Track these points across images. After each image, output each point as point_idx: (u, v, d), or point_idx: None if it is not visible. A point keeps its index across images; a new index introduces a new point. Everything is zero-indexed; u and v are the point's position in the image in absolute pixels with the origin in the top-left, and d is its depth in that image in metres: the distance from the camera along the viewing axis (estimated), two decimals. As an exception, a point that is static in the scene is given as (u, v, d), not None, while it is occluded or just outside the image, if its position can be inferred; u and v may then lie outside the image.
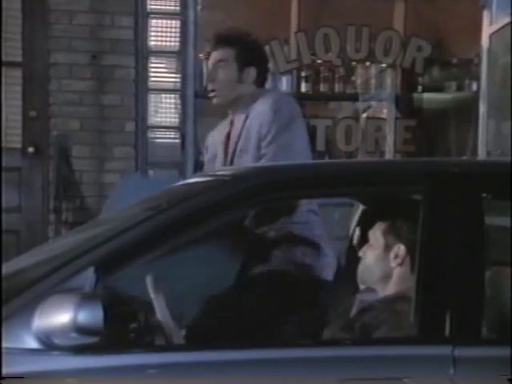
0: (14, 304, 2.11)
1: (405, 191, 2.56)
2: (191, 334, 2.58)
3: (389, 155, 6.15)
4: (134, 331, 2.68)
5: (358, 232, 3.11)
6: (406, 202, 2.57)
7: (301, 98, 6.31)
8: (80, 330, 2.02)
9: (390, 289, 2.58)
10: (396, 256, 2.58)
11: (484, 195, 2.34)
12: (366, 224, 3.12)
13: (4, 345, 2.07)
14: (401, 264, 2.56)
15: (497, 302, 2.35)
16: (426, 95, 6.33)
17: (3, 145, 5.69)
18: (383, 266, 2.59)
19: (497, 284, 2.40)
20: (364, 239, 2.81)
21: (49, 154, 5.69)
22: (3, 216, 5.58)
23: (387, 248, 2.59)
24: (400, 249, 2.56)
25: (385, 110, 6.33)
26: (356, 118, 6.31)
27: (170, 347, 2.35)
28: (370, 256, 2.63)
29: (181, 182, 3.00)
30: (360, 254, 2.67)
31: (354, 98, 6.30)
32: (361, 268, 2.66)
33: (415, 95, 6.35)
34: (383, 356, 2.20)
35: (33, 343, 2.07)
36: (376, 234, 2.63)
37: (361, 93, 6.30)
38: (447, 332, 2.20)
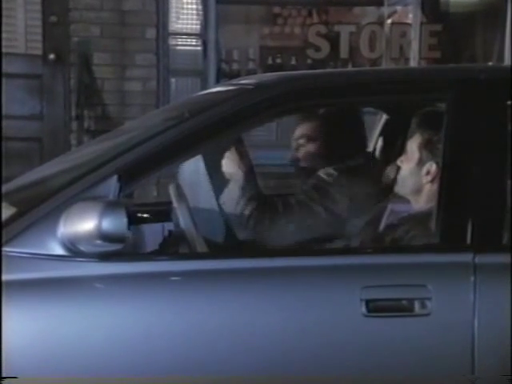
0: (39, 211, 2.14)
1: (430, 99, 2.52)
2: (214, 243, 2.60)
3: (414, 62, 6.05)
4: (158, 239, 2.73)
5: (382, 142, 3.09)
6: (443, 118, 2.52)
7: (324, 3, 6.21)
8: (104, 236, 2.05)
9: (421, 205, 2.57)
10: (428, 172, 2.55)
11: (511, 102, 2.30)
12: (393, 134, 3.09)
13: (30, 250, 2.11)
14: (431, 181, 2.54)
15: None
16: (453, -2, 6.19)
17: (24, 51, 5.67)
18: (416, 179, 2.58)
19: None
20: (393, 149, 2.79)
21: (70, 61, 5.66)
22: (25, 123, 5.61)
23: (421, 163, 2.57)
24: (432, 166, 2.53)
25: (410, 15, 6.20)
26: (381, 23, 6.19)
27: (193, 255, 2.38)
28: (405, 167, 2.61)
29: (203, 91, 2.98)
30: (398, 162, 2.65)
31: (378, 2, 6.17)
32: (397, 177, 2.66)
33: (442, -2, 6.21)
34: (406, 264, 2.22)
35: (58, 249, 2.10)
36: (413, 146, 2.60)
37: (385, -3, 6.17)
38: (468, 240, 2.21)
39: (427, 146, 2.56)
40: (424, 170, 2.56)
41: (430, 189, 2.54)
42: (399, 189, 2.66)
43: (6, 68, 5.20)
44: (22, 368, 2.04)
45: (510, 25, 5.89)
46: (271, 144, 5.60)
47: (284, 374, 2.13)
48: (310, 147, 3.01)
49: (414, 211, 2.59)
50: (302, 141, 3.04)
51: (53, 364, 2.07)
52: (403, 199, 2.65)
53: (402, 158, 2.65)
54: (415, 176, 2.58)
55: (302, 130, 3.05)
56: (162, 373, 2.09)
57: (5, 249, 2.09)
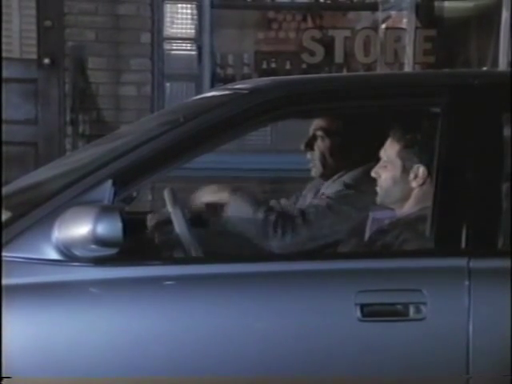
0: (34, 215, 2.14)
1: (424, 104, 2.52)
2: (209, 248, 2.60)
3: (408, 67, 6.06)
4: (153, 244, 2.73)
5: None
6: (423, 120, 2.51)
7: (319, 7, 6.22)
8: (99, 241, 2.05)
9: (411, 208, 2.52)
10: (416, 176, 2.49)
11: (505, 108, 2.31)
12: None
13: (25, 255, 2.11)
14: (422, 184, 2.49)
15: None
16: (447, 3, 6.20)
17: (19, 56, 5.67)
18: (402, 187, 2.52)
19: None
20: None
21: (64, 66, 5.66)
22: (20, 127, 5.60)
23: (405, 169, 2.51)
24: (420, 169, 2.47)
25: (405, 20, 6.22)
26: (375, 28, 6.21)
27: (187, 260, 2.38)
28: (385, 176, 2.54)
29: (198, 96, 2.98)
30: (372, 174, 2.58)
31: (373, 7, 6.19)
32: (377, 188, 2.57)
33: (436, 3, 6.22)
34: (401, 268, 2.22)
35: (53, 254, 2.10)
36: (390, 155, 2.53)
37: (380, 2, 6.18)
38: (463, 244, 2.21)
39: (409, 151, 2.51)
40: (411, 174, 2.50)
41: (421, 191, 2.51)
42: (383, 199, 2.58)
43: (0, 72, 5.20)
44: (18, 371, 2.04)
45: (504, 30, 5.91)
46: (266, 149, 5.61)
47: (279, 379, 2.13)
48: (327, 143, 2.95)
49: (404, 215, 2.55)
50: (319, 133, 2.97)
51: (47, 368, 2.07)
52: (384, 207, 2.60)
53: (377, 169, 2.57)
54: (401, 183, 2.52)
55: (320, 123, 2.98)
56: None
57: (0, 253, 2.09)
